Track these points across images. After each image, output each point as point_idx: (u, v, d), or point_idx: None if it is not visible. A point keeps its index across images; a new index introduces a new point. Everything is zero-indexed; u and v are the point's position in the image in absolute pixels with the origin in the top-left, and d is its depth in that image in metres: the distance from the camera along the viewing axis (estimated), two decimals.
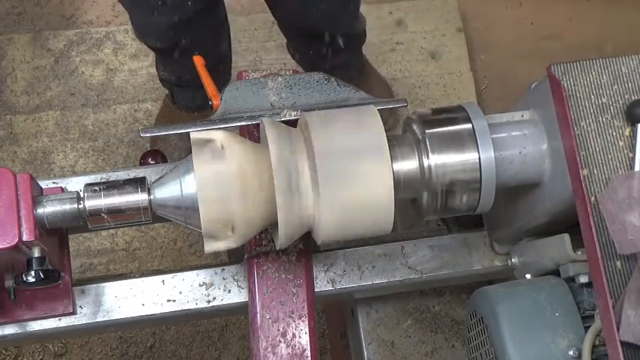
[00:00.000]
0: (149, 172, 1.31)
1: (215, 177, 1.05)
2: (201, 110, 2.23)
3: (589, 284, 1.16)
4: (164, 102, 2.32)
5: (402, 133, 1.19)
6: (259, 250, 1.26)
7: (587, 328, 1.10)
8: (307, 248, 1.28)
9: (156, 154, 1.53)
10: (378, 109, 1.13)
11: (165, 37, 1.93)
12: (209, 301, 1.31)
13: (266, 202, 1.07)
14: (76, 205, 1.10)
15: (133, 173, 1.32)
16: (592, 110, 1.11)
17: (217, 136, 1.09)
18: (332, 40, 2.04)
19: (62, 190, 1.24)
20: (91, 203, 1.10)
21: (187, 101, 2.22)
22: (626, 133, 1.11)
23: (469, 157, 1.11)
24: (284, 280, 1.26)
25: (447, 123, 1.14)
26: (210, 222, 1.06)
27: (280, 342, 1.24)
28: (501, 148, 1.15)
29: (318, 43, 2.05)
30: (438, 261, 1.38)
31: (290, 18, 2.04)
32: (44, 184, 1.26)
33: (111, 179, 1.30)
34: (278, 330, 1.24)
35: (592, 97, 1.12)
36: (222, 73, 2.14)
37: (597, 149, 1.09)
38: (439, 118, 1.14)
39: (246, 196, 1.06)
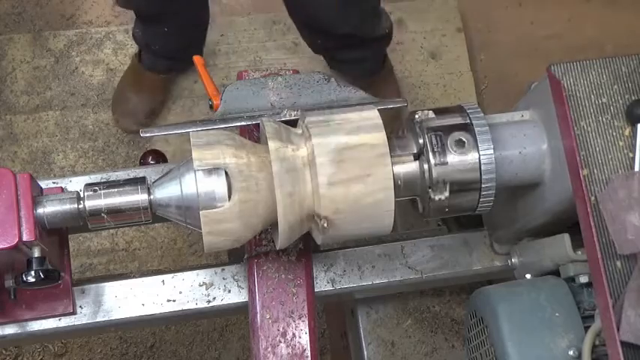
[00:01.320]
0: (149, 172, 1.31)
1: (215, 177, 1.05)
2: (165, 73, 2.29)
3: (589, 284, 1.16)
4: (132, 60, 2.36)
5: (401, 133, 1.19)
6: (259, 250, 1.26)
7: (587, 328, 1.10)
8: (307, 248, 1.28)
9: (156, 154, 1.53)
10: (378, 110, 1.13)
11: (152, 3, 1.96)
12: (209, 301, 1.31)
13: (266, 202, 1.07)
14: (76, 205, 1.10)
15: (133, 173, 1.32)
16: (592, 110, 1.11)
17: (217, 136, 1.09)
18: (345, 39, 2.10)
19: (62, 190, 1.24)
20: (91, 203, 1.10)
21: (151, 65, 2.26)
22: (626, 133, 1.11)
23: (469, 157, 1.11)
24: (284, 280, 1.26)
25: (447, 123, 1.13)
26: (211, 222, 1.06)
27: (280, 342, 1.24)
28: (501, 148, 1.15)
29: (330, 40, 2.09)
30: (438, 261, 1.38)
31: (307, 21, 2.10)
32: (44, 184, 1.26)
33: (111, 179, 1.30)
34: (278, 330, 1.24)
35: (592, 97, 1.12)
36: (196, 40, 2.18)
37: (597, 149, 1.09)
38: (439, 118, 1.14)
39: (246, 197, 1.06)
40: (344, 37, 2.11)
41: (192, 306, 1.31)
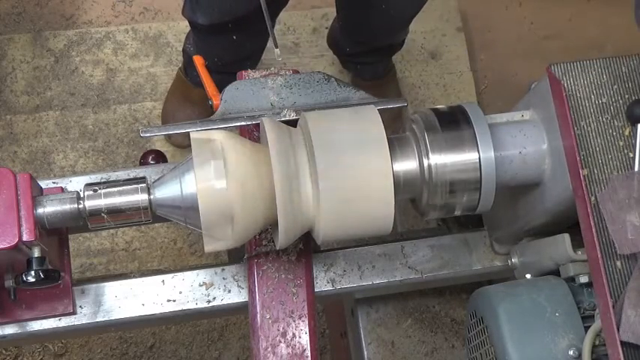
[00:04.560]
0: (149, 172, 1.31)
1: (215, 177, 1.05)
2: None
3: (589, 284, 1.16)
4: (177, 76, 2.33)
5: (402, 133, 1.19)
6: (259, 250, 1.26)
7: (587, 328, 1.10)
8: (307, 248, 1.28)
9: (156, 154, 1.53)
10: (378, 109, 1.13)
11: (222, 13, 1.84)
12: (209, 301, 1.31)
13: (266, 201, 1.08)
14: (76, 205, 1.10)
15: (133, 173, 1.32)
16: (592, 110, 1.11)
17: (217, 136, 1.09)
18: (374, 48, 2.16)
19: (62, 190, 1.24)
20: (90, 203, 1.10)
21: (194, 78, 2.22)
22: (626, 133, 1.11)
23: (469, 157, 1.11)
24: (284, 280, 1.26)
25: (447, 123, 1.14)
26: (210, 222, 1.06)
27: (280, 342, 1.24)
28: (501, 148, 1.15)
29: (364, 49, 2.16)
30: (438, 261, 1.38)
31: (354, 31, 2.11)
32: (44, 184, 1.26)
33: (111, 179, 1.30)
34: (278, 330, 1.24)
35: (592, 97, 1.12)
36: (257, 51, 2.10)
37: (597, 149, 1.09)
38: (439, 118, 1.14)
39: (246, 196, 1.06)
40: (379, 46, 2.16)
41: (192, 306, 1.31)
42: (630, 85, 1.13)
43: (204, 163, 1.06)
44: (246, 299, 1.30)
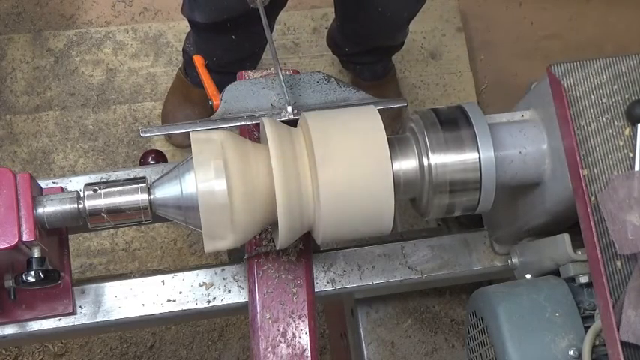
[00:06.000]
0: (149, 172, 1.31)
1: (215, 177, 1.05)
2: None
3: (589, 284, 1.16)
4: (177, 76, 2.34)
5: (402, 133, 1.19)
6: (259, 250, 1.26)
7: (587, 328, 1.10)
8: (307, 248, 1.28)
9: (156, 154, 1.53)
10: (378, 109, 1.14)
11: (219, 11, 1.83)
12: (209, 301, 1.31)
13: (266, 201, 1.08)
14: (76, 205, 1.10)
15: (133, 173, 1.32)
16: (592, 110, 1.11)
17: (217, 136, 1.09)
18: (373, 48, 2.17)
19: (62, 190, 1.24)
20: (90, 203, 1.10)
21: (194, 79, 2.23)
22: (626, 133, 1.11)
23: (469, 157, 1.11)
24: (284, 280, 1.26)
25: (447, 123, 1.14)
26: (210, 222, 1.06)
27: (280, 342, 1.24)
28: (501, 148, 1.15)
29: (363, 49, 2.18)
30: (438, 261, 1.38)
31: (352, 33, 2.12)
32: (44, 184, 1.26)
33: (111, 179, 1.30)
34: (278, 330, 1.24)
35: (592, 97, 1.12)
36: (257, 51, 2.11)
37: (597, 149, 1.09)
38: (439, 118, 1.14)
39: (246, 196, 1.06)
40: (378, 47, 2.17)
41: (192, 306, 1.31)
42: (630, 85, 1.13)
43: (204, 163, 1.06)
44: (246, 299, 1.30)
